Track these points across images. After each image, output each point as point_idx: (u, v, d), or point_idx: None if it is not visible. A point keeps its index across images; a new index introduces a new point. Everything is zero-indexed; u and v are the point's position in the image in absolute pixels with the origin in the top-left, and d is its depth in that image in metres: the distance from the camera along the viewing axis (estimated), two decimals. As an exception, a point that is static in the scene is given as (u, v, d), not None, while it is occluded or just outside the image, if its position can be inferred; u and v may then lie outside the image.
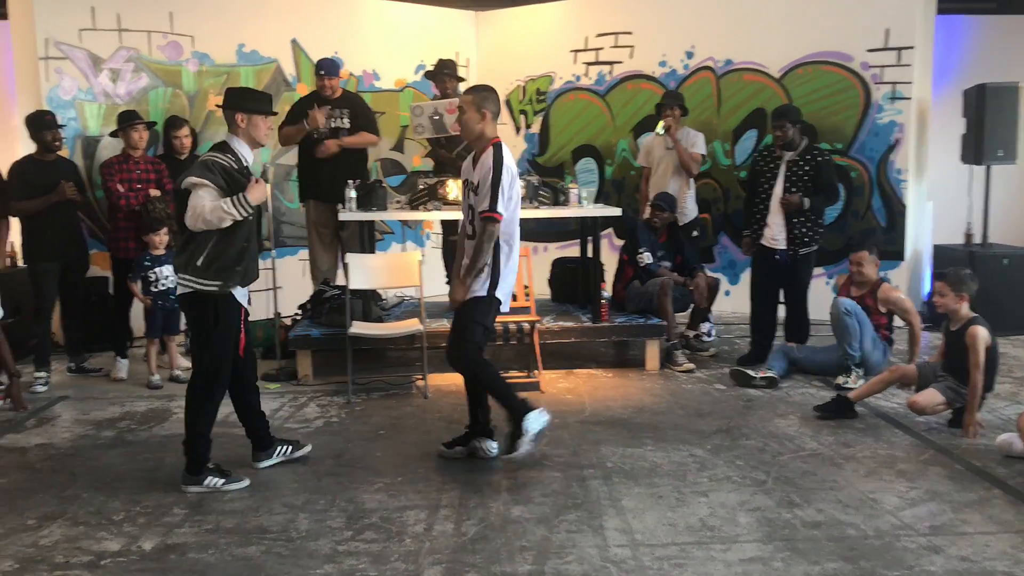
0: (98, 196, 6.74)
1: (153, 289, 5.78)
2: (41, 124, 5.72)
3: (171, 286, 5.81)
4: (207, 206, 3.81)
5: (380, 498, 3.87)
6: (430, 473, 4.17)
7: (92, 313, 6.37)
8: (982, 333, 4.56)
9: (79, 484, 4.08)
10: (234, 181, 3.90)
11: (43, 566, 3.27)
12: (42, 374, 5.76)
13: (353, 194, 5.98)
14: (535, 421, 4.11)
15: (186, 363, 6.23)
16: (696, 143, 6.83)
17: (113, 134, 6.33)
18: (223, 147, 4.00)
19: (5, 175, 5.80)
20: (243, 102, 4.05)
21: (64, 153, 6.40)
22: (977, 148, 7.10)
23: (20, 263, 6.25)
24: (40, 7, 6.72)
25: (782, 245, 6.00)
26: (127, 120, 6.07)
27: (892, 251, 7.41)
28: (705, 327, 6.70)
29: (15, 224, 5.89)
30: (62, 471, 4.26)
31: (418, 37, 8.53)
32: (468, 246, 4.24)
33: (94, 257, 6.65)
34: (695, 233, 6.98)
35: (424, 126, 6.36)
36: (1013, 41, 8.05)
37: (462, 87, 6.86)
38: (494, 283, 4.14)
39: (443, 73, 6.62)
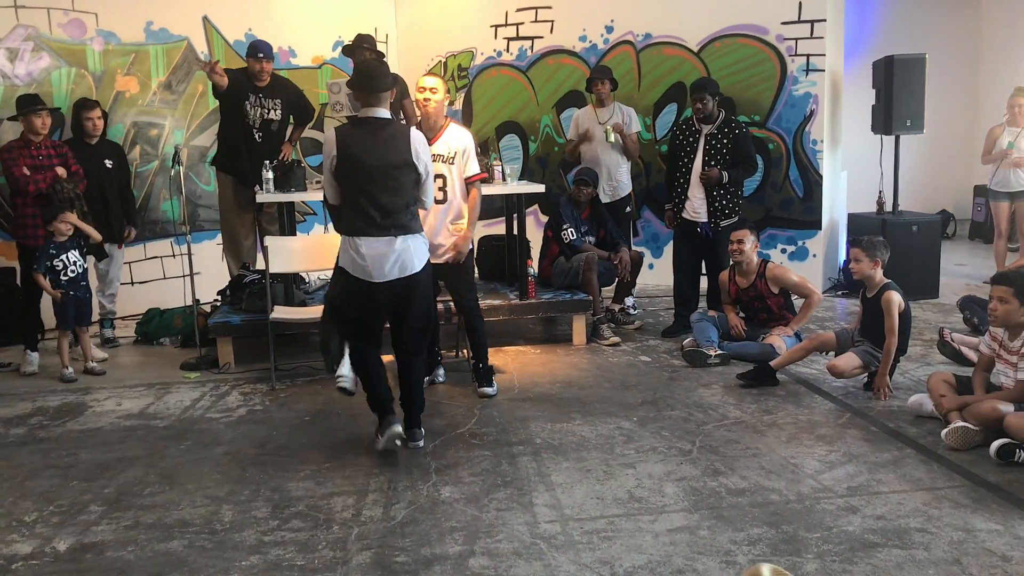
0: (0, 182, 6.44)
1: (63, 278, 5.54)
2: None
3: (80, 272, 5.59)
4: None
5: (307, 486, 3.80)
6: (358, 458, 4.11)
7: (-2, 306, 6.11)
8: (896, 298, 4.71)
9: (-13, 485, 3.91)
10: None
11: (-51, 573, 3.13)
12: (-55, 371, 5.50)
13: (270, 175, 5.83)
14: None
15: (102, 354, 6.04)
16: (631, 122, 6.84)
17: (13, 119, 6.01)
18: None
19: None
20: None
21: (-41, 138, 6.10)
22: (886, 118, 7.29)
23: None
24: (-74, -18, 6.35)
25: (703, 218, 6.08)
26: (27, 105, 5.78)
27: (810, 220, 7.59)
28: (629, 301, 6.76)
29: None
30: (-31, 472, 4.08)
31: (335, 12, 8.33)
32: (436, 210, 4.75)
33: (-3, 247, 6.37)
34: (628, 209, 7.00)
35: (342, 103, 6.21)
36: (919, 13, 8.28)
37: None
38: None
39: (362, 47, 6.45)
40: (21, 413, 4.95)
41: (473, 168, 4.84)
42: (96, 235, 5.78)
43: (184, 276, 6.28)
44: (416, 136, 4.10)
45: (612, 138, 6.69)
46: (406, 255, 4.00)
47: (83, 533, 3.41)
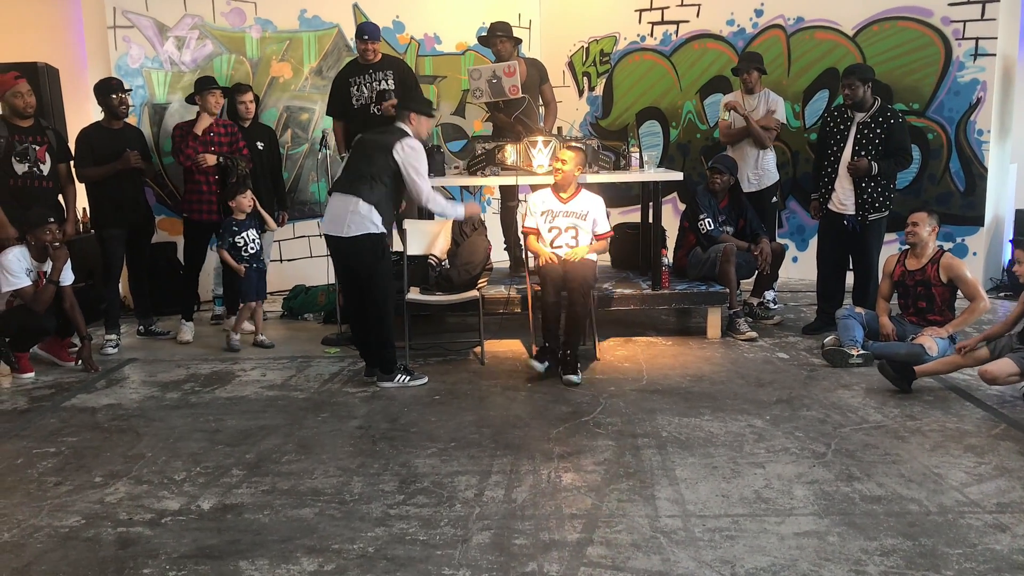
0: (166, 162, 6.89)
1: (244, 254, 5.90)
2: (106, 88, 5.81)
3: (259, 249, 5.95)
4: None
5: (433, 463, 3.89)
6: (483, 439, 4.17)
7: (160, 278, 6.54)
8: (1062, 302, 4.34)
9: (144, 444, 4.21)
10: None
11: (107, 522, 3.38)
12: (112, 337, 5.95)
13: None
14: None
15: (250, 326, 6.35)
16: (778, 108, 6.57)
17: (190, 99, 6.37)
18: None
19: (74, 143, 5.94)
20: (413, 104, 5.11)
21: (132, 121, 6.55)
22: (1066, 107, 6.72)
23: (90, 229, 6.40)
24: (109, -24, 6.84)
25: (850, 210, 5.79)
26: (206, 85, 6.12)
27: (971, 216, 7.11)
28: (770, 295, 6.53)
29: (81, 190, 6.04)
30: (128, 431, 4.40)
31: (480, -1, 8.44)
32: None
33: (162, 223, 6.83)
34: (774, 199, 6.74)
35: (482, 90, 6.27)
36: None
37: (523, 49, 6.76)
38: None
39: (495, 36, 6.48)
40: (176, 379, 5.30)
41: (603, 228, 5.55)
42: (273, 224, 6.17)
43: (328, 255, 6.52)
44: (404, 143, 4.90)
45: (727, 116, 6.48)
46: (343, 216, 4.88)
47: (225, 494, 3.61)
